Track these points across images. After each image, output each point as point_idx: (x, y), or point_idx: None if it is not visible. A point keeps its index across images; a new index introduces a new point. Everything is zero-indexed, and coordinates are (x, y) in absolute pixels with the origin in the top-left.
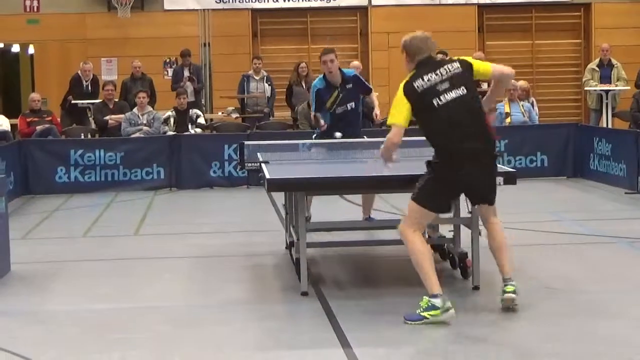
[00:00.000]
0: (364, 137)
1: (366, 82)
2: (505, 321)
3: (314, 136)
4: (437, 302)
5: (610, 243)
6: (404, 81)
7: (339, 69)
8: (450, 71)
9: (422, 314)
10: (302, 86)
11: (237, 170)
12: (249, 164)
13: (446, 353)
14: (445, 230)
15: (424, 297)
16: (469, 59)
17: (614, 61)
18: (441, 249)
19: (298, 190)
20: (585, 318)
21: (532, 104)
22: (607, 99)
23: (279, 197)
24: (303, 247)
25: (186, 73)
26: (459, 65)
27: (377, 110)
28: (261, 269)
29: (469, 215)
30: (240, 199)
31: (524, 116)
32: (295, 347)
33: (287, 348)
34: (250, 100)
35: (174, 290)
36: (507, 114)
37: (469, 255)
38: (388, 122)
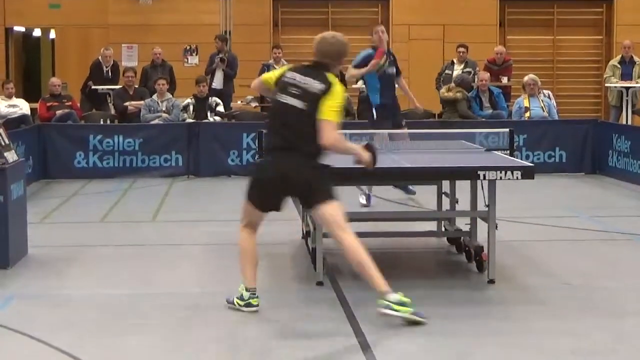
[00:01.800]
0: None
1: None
2: (521, 316)
3: (374, 117)
4: (245, 294)
5: (627, 240)
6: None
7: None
8: (309, 84)
9: (235, 299)
10: None
11: (255, 159)
12: None
13: (460, 345)
14: (462, 224)
15: (242, 284)
16: (335, 93)
17: (635, 58)
18: (457, 242)
19: None
20: (603, 314)
21: (549, 97)
22: (627, 95)
23: None
24: (319, 236)
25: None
26: (323, 87)
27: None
28: (277, 258)
29: (486, 209)
30: None
31: (543, 111)
32: (310, 336)
33: (301, 337)
34: None
35: (190, 277)
36: (527, 109)
37: (485, 248)
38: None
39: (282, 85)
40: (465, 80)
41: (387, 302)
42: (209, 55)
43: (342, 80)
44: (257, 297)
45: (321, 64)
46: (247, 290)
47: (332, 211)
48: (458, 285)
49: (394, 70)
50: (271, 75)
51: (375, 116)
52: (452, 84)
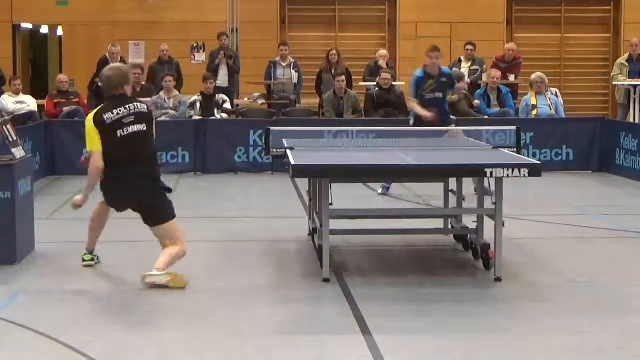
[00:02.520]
0: (452, 124)
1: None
2: (527, 314)
3: (411, 122)
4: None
5: (634, 238)
6: (93, 113)
7: (439, 66)
8: (136, 109)
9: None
10: (332, 73)
11: (262, 156)
12: (274, 150)
13: (467, 342)
14: (469, 221)
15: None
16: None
17: None
18: (464, 239)
19: (322, 177)
20: (610, 312)
21: (557, 95)
22: (635, 94)
23: (303, 183)
24: (326, 234)
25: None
26: (144, 108)
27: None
28: (284, 255)
29: (493, 207)
30: (264, 185)
31: (550, 109)
32: (316, 332)
33: (307, 333)
34: (277, 87)
35: (197, 274)
36: (534, 107)
37: (492, 246)
38: (88, 149)
39: (110, 127)
40: (457, 76)
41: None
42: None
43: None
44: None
45: (124, 94)
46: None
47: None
48: (465, 282)
49: (441, 95)
50: (91, 141)
51: (412, 123)
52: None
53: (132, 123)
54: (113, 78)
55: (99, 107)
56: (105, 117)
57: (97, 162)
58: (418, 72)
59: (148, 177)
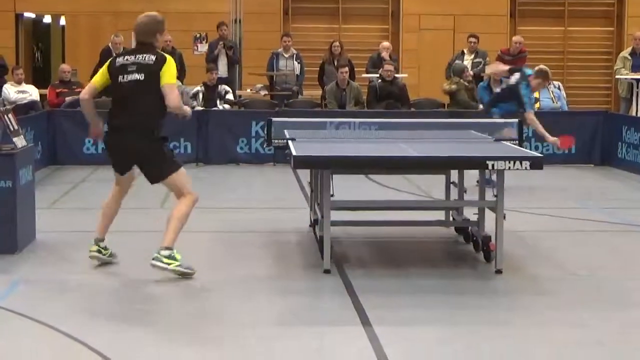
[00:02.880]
0: None
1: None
2: (528, 306)
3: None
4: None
5: (636, 232)
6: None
7: None
8: (142, 59)
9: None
10: (334, 65)
11: (264, 147)
12: (276, 141)
13: (467, 334)
14: (470, 213)
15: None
16: (167, 65)
17: None
18: (465, 231)
19: (324, 168)
20: (611, 305)
21: (559, 88)
22: (637, 87)
23: (304, 174)
24: (327, 225)
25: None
26: (154, 59)
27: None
28: (285, 246)
29: (494, 199)
30: (266, 176)
31: (553, 102)
32: (316, 323)
33: (308, 324)
34: (279, 78)
35: (198, 264)
36: (537, 100)
37: (493, 238)
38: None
39: (116, 71)
40: (457, 69)
41: (157, 255)
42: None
43: None
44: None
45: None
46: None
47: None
48: (465, 275)
49: None
50: (100, 72)
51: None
52: (453, 77)
53: (133, 72)
54: (146, 24)
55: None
56: (117, 60)
57: (84, 92)
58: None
59: (142, 129)
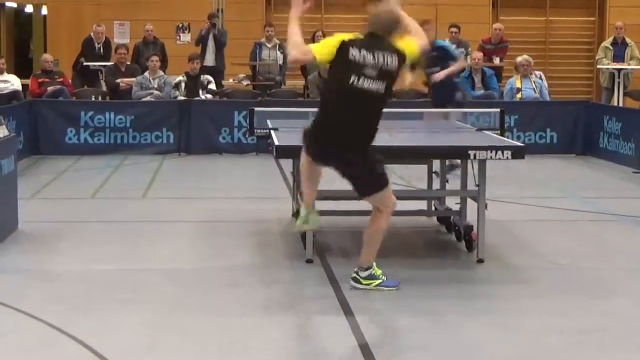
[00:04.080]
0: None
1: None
2: (509, 295)
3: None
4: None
5: (615, 221)
6: (346, 37)
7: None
8: (384, 62)
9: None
10: None
11: (247, 137)
12: (258, 131)
13: (448, 324)
14: (452, 203)
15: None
16: (408, 46)
17: (628, 40)
18: (447, 221)
19: None
20: (591, 294)
21: (541, 78)
22: (619, 77)
23: (287, 164)
24: None
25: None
26: (396, 59)
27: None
28: (267, 236)
29: (476, 188)
30: (249, 166)
31: (534, 92)
32: (299, 312)
33: (290, 313)
34: (262, 68)
35: (180, 254)
36: (518, 89)
37: (475, 228)
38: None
39: (350, 66)
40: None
41: (356, 276)
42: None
43: None
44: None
45: (380, 36)
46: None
47: None
48: (447, 264)
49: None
50: (320, 47)
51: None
52: None
53: (372, 78)
54: (386, 18)
55: (355, 35)
56: (350, 49)
57: (305, 51)
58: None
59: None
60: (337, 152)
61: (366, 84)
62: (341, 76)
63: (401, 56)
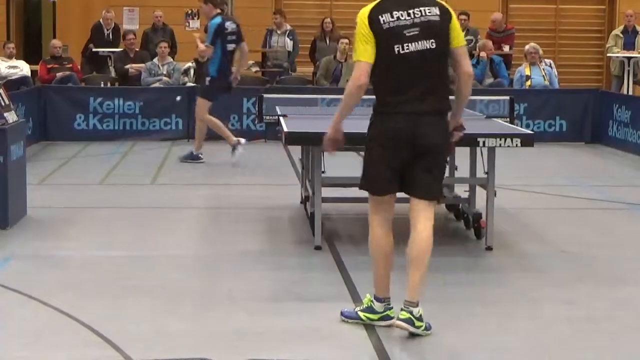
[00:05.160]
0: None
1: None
2: (518, 283)
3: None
4: (378, 306)
5: (626, 209)
6: (368, 9)
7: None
8: (422, 14)
9: (359, 312)
10: (326, 42)
11: (255, 123)
12: (267, 117)
13: (457, 310)
14: (461, 191)
15: (368, 294)
16: (451, 11)
17: (638, 28)
18: (456, 209)
19: (315, 145)
20: (600, 282)
21: (551, 66)
22: (629, 66)
23: (296, 151)
24: (318, 201)
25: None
26: (437, 12)
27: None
28: (276, 222)
29: (485, 176)
30: (258, 152)
31: (544, 80)
32: (307, 299)
33: (298, 300)
34: (271, 55)
35: (189, 240)
36: (528, 77)
37: (484, 216)
38: (354, 59)
39: (387, 35)
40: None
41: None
42: None
43: None
44: (392, 307)
45: None
46: (380, 300)
47: None
48: (456, 252)
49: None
50: (367, 47)
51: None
52: None
53: (417, 38)
54: None
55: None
56: (380, 19)
57: (359, 75)
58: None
59: (437, 115)
60: (414, 128)
61: (412, 46)
62: (385, 51)
63: (443, 7)
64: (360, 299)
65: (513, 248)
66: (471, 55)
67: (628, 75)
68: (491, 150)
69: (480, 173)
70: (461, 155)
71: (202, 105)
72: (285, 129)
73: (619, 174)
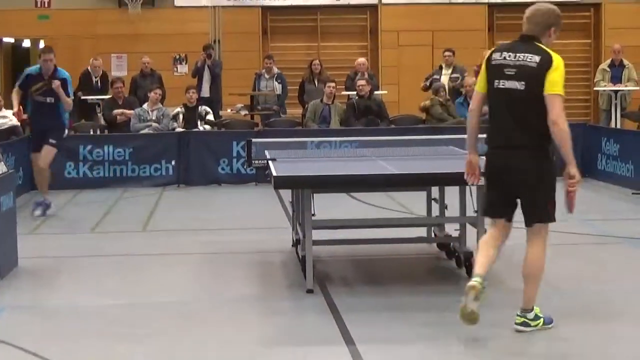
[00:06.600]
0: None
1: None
2: (510, 320)
3: None
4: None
5: (617, 244)
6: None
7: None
8: (524, 58)
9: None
10: (314, 84)
11: (245, 167)
12: (256, 161)
13: (449, 353)
14: (452, 229)
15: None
16: (556, 62)
17: (625, 62)
18: (447, 247)
19: (304, 188)
20: (593, 318)
21: None
22: (616, 99)
23: (287, 194)
24: (309, 244)
25: (207, 63)
26: (537, 60)
27: None
28: (268, 266)
29: (475, 215)
30: (248, 196)
31: None
32: (300, 343)
33: (291, 344)
34: (260, 98)
35: (181, 286)
36: None
37: (475, 254)
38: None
39: (493, 71)
40: (434, 87)
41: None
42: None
43: None
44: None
45: (526, 35)
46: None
47: None
48: (448, 291)
49: (53, 99)
50: (480, 79)
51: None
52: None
53: (511, 77)
54: (535, 15)
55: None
56: (493, 56)
57: (472, 101)
58: (33, 68)
59: (524, 149)
60: (505, 159)
61: (508, 83)
62: (490, 84)
63: (546, 57)
64: (353, 341)
65: (504, 285)
66: (459, 93)
67: (616, 108)
68: (480, 189)
69: (470, 211)
70: (451, 194)
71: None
72: (274, 173)
73: (609, 207)
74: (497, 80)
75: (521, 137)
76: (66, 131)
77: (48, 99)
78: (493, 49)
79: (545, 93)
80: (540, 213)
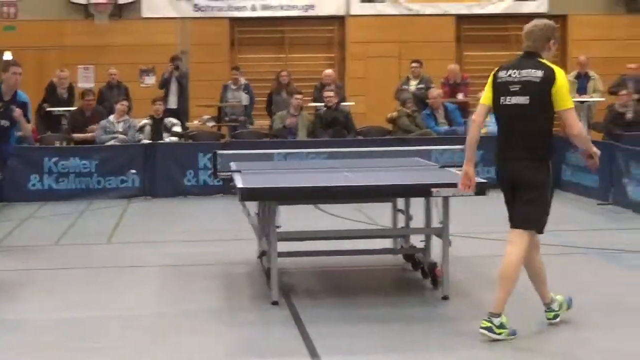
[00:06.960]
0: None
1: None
2: (475, 331)
3: None
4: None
5: (582, 254)
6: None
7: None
8: (528, 74)
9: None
10: (282, 95)
11: (212, 178)
12: (222, 173)
13: None
14: (417, 241)
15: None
16: (558, 77)
17: (590, 73)
18: (412, 259)
19: (270, 200)
20: (558, 327)
21: None
22: (582, 110)
23: (253, 205)
24: (274, 256)
25: (175, 74)
26: (540, 75)
27: None
28: (233, 278)
29: (440, 226)
30: (215, 208)
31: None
32: (265, 355)
33: (256, 356)
34: (228, 109)
35: (146, 299)
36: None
37: (439, 265)
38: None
39: (498, 88)
40: (401, 99)
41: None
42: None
43: None
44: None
45: (528, 52)
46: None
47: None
48: (413, 302)
49: (8, 123)
50: (486, 93)
51: None
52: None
53: (516, 93)
54: (534, 31)
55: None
56: (499, 74)
57: (475, 113)
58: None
59: (527, 161)
60: (507, 167)
61: (513, 99)
62: (495, 102)
63: (548, 71)
64: (317, 353)
65: (470, 296)
66: (425, 104)
67: (582, 119)
68: (445, 200)
69: (435, 222)
70: (416, 205)
71: None
72: (239, 185)
73: (574, 218)
74: (502, 97)
75: (524, 150)
76: (8, 163)
77: (2, 122)
78: (499, 66)
79: (557, 109)
80: (529, 219)
